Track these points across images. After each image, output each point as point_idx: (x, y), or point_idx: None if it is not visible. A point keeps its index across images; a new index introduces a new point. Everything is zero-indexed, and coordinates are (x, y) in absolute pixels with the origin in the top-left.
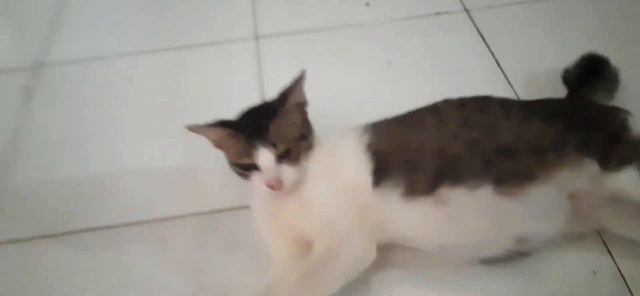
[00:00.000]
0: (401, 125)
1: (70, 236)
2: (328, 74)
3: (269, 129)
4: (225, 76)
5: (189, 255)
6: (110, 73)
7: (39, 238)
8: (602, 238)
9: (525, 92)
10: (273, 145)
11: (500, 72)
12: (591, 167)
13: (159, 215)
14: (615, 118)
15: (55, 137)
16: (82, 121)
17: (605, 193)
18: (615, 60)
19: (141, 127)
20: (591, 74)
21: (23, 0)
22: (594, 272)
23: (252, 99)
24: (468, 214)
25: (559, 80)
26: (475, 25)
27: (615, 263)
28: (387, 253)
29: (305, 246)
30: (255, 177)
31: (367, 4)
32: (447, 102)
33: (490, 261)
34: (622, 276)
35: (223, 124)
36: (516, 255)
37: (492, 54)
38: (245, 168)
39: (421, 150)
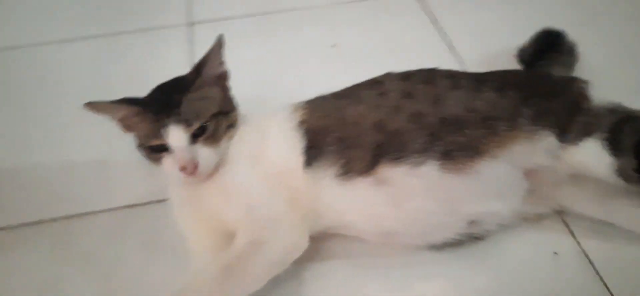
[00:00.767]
0: (338, 99)
1: None
2: (269, 58)
3: (181, 104)
4: (155, 64)
5: (99, 254)
6: (33, 61)
7: None
8: (563, 218)
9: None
10: (185, 122)
11: (453, 54)
12: (548, 140)
13: (66, 212)
14: (573, 88)
15: None
16: None
17: (565, 169)
18: (573, 33)
19: (59, 118)
20: (547, 49)
21: None
22: (555, 253)
23: None
24: (412, 194)
25: (515, 60)
26: (426, 7)
27: (578, 243)
28: (322, 242)
29: (229, 237)
30: (167, 160)
31: None
32: (389, 75)
33: (439, 247)
34: (586, 255)
35: (128, 101)
36: (468, 238)
37: (445, 35)
38: (155, 150)
39: (358, 125)
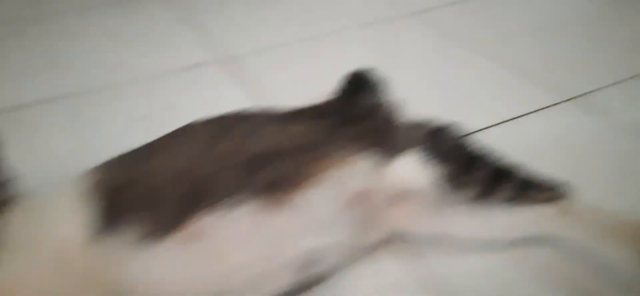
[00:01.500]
0: (140, 152)
1: None
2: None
3: None
4: None
5: None
6: None
7: None
8: (402, 239)
9: None
10: None
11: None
12: (367, 161)
13: None
14: (385, 109)
15: None
16: None
17: (391, 189)
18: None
19: None
20: (358, 88)
21: None
22: (392, 278)
23: None
24: (231, 244)
25: None
26: (238, 74)
27: (420, 261)
28: None
29: None
30: None
31: None
32: (197, 120)
33: None
34: (430, 271)
35: None
36: (305, 284)
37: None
38: None
39: (163, 176)
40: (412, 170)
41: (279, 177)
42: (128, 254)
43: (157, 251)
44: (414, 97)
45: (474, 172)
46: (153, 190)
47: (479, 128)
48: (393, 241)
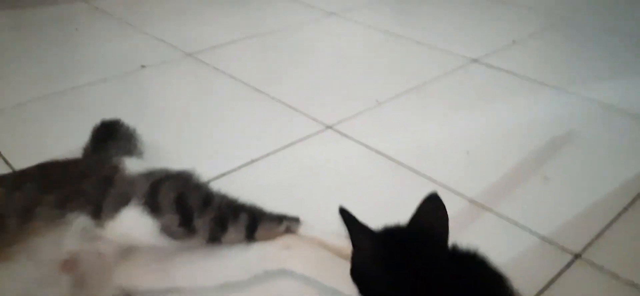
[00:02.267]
0: None
1: None
2: None
3: None
4: None
5: None
6: None
7: None
8: None
9: None
10: None
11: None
12: (79, 221)
13: None
14: (105, 164)
15: None
16: None
17: (112, 247)
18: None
19: None
20: (105, 138)
21: None
22: None
23: None
24: None
25: None
26: None
27: None
28: None
29: None
30: None
31: None
32: None
33: None
34: None
35: None
36: None
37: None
38: None
39: None
40: (133, 224)
41: None
42: None
43: None
44: (165, 144)
45: (202, 216)
46: None
47: (225, 171)
48: None
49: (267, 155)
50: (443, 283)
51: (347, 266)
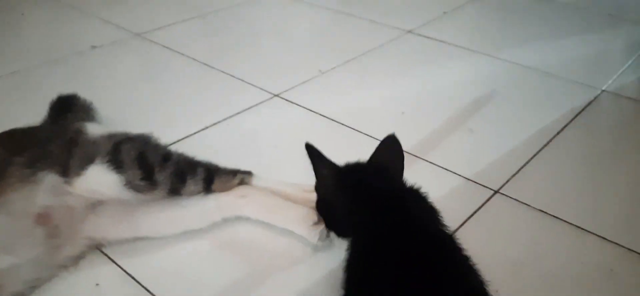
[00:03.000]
0: None
1: None
2: None
3: None
4: None
5: None
6: None
7: None
8: (100, 250)
9: None
10: None
11: None
12: (50, 179)
13: None
14: (69, 128)
15: None
16: None
17: (81, 202)
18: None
19: None
20: (62, 111)
21: None
22: (97, 284)
23: None
24: None
25: None
26: None
27: (120, 267)
28: None
29: None
30: None
31: None
32: None
33: None
34: (130, 276)
35: None
36: None
37: None
38: None
39: None
40: (98, 180)
41: None
42: None
43: None
44: (120, 118)
45: (162, 171)
46: None
47: (187, 134)
48: (93, 250)
49: (219, 122)
50: (394, 209)
51: (296, 209)
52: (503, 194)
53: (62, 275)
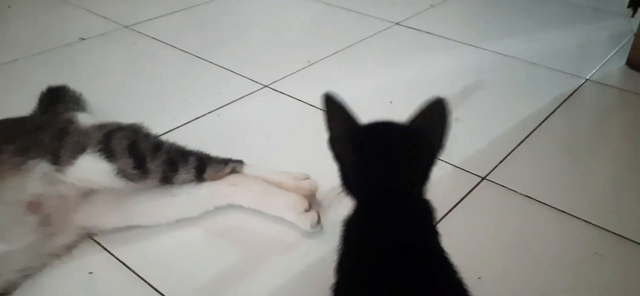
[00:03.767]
0: None
1: None
2: None
3: None
4: None
5: None
6: None
7: None
8: (93, 238)
9: None
10: None
11: None
12: (41, 167)
13: None
14: (59, 118)
15: None
16: None
17: (73, 191)
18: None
19: None
20: (53, 102)
21: None
22: (90, 273)
23: None
24: None
25: None
26: None
27: (113, 255)
28: None
29: None
30: None
31: None
32: None
33: None
34: (124, 264)
35: None
36: None
37: None
38: None
39: None
40: (90, 168)
41: None
42: None
43: None
44: (109, 108)
45: (154, 160)
46: None
47: (179, 124)
48: (86, 238)
49: (209, 112)
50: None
51: (288, 196)
52: (490, 181)
53: (55, 263)
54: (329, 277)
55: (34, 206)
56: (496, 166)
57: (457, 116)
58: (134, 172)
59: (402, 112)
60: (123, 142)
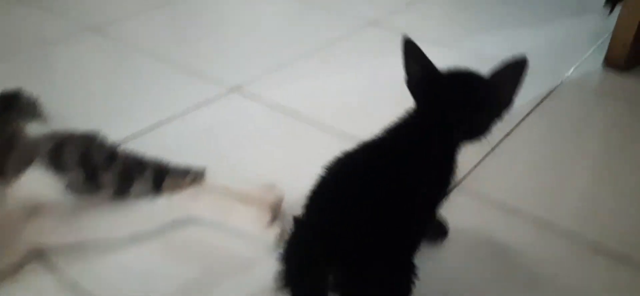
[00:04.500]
0: None
1: None
2: None
3: None
4: None
5: None
6: None
7: None
8: (41, 256)
9: None
10: None
11: None
12: None
13: None
14: (7, 130)
15: None
16: None
17: (19, 207)
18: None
19: None
20: (6, 108)
21: None
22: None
23: None
24: None
25: None
26: None
27: (63, 273)
28: None
29: None
30: None
31: None
32: None
33: None
34: (75, 282)
35: None
36: None
37: None
38: None
39: None
40: (38, 182)
41: None
42: None
43: None
44: (69, 113)
45: (107, 172)
46: None
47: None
48: (35, 257)
49: (175, 117)
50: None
51: (250, 209)
52: (462, 188)
53: (1, 285)
54: None
55: None
56: (469, 172)
57: None
58: (86, 185)
59: (376, 111)
60: (74, 153)
